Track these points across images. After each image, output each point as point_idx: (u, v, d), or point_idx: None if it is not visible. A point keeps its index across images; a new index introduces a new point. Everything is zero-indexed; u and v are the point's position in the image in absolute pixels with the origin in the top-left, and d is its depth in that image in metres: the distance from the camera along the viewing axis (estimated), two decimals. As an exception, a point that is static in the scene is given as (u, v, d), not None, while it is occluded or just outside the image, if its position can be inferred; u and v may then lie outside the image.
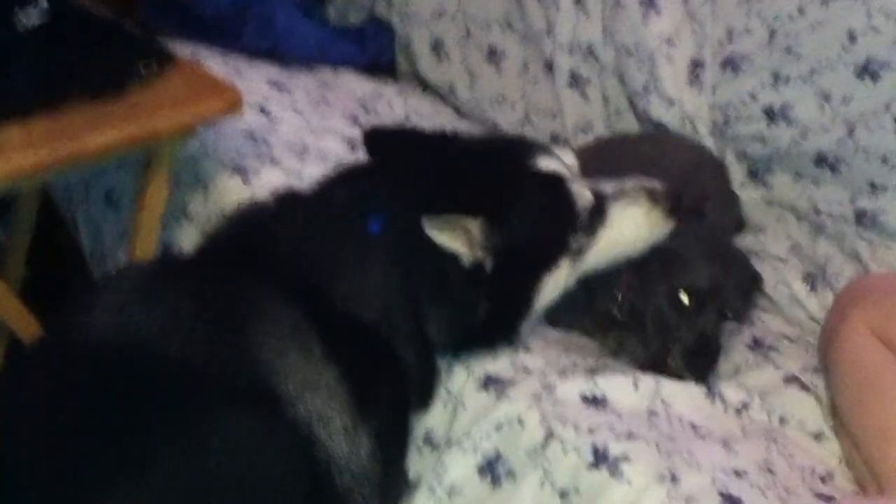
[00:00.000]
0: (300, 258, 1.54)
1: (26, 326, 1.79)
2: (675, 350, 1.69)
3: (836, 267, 1.98)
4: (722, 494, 1.47)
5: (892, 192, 1.92)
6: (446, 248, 1.52)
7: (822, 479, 1.59)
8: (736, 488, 1.48)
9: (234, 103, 1.83)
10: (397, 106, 2.47)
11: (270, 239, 1.56)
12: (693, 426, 1.61)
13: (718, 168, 2.14)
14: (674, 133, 2.20)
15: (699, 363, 1.70)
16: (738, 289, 1.76)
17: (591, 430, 1.55)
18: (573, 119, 2.35)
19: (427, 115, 2.46)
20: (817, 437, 1.68)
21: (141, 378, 1.37)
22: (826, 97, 1.98)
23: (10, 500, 1.29)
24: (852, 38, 1.95)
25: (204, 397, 1.38)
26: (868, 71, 1.94)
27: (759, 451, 1.58)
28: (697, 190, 1.98)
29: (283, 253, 1.55)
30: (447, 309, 1.57)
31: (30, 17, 1.79)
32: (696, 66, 2.18)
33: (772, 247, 2.07)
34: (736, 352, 1.82)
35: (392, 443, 1.54)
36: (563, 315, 1.76)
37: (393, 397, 1.55)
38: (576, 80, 2.34)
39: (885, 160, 1.92)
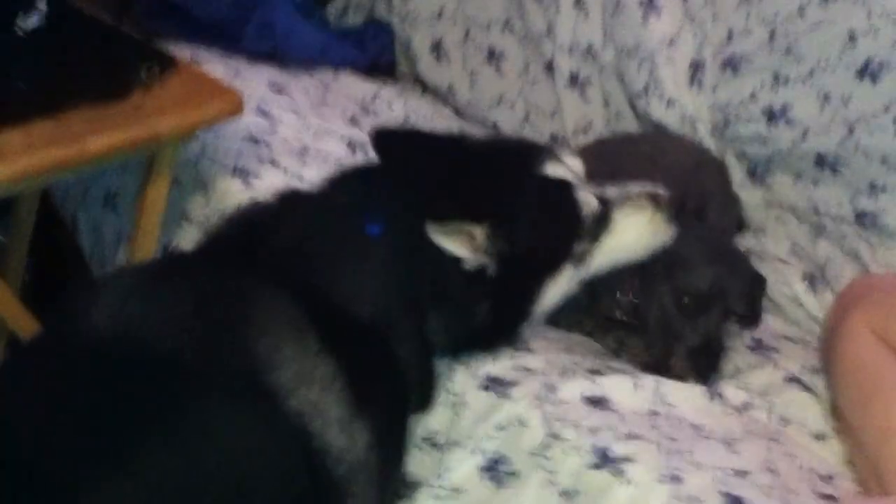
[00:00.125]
0: (300, 257, 1.54)
1: (26, 327, 1.79)
2: (679, 351, 1.70)
3: (836, 267, 1.99)
4: (724, 494, 1.47)
5: (893, 192, 1.93)
6: (450, 251, 1.53)
7: (824, 479, 1.59)
8: (738, 488, 1.48)
9: (234, 106, 1.83)
10: (397, 107, 2.48)
11: (271, 237, 1.57)
12: (695, 426, 1.61)
13: (719, 169, 2.14)
14: (674, 134, 2.20)
15: (704, 364, 1.70)
16: (742, 291, 1.76)
17: (593, 431, 1.55)
18: (573, 120, 2.36)
19: (427, 116, 2.46)
20: (819, 437, 1.68)
21: (137, 373, 1.37)
22: (826, 98, 1.98)
23: (4, 491, 1.29)
24: (852, 38, 1.95)
25: (200, 391, 1.38)
26: (868, 71, 1.94)
27: (761, 451, 1.58)
28: (697, 191, 1.98)
29: (284, 251, 1.55)
30: (447, 311, 1.58)
31: (30, 21, 1.79)
32: (696, 66, 2.18)
33: (772, 247, 2.08)
34: (737, 352, 1.82)
35: (389, 439, 1.53)
36: (565, 315, 1.76)
37: (390, 395, 1.55)
38: (576, 81, 2.35)
39: (885, 161, 1.93)
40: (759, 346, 1.86)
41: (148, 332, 1.41)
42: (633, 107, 2.27)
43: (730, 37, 2.13)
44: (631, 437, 1.55)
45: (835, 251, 2.00)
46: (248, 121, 2.09)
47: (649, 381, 1.66)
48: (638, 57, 2.23)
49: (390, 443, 1.54)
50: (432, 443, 1.64)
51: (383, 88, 2.53)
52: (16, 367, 1.49)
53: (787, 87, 2.03)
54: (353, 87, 2.50)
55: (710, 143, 2.17)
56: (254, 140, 2.11)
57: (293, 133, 2.19)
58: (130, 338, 1.41)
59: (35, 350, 1.52)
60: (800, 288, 2.01)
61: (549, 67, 2.37)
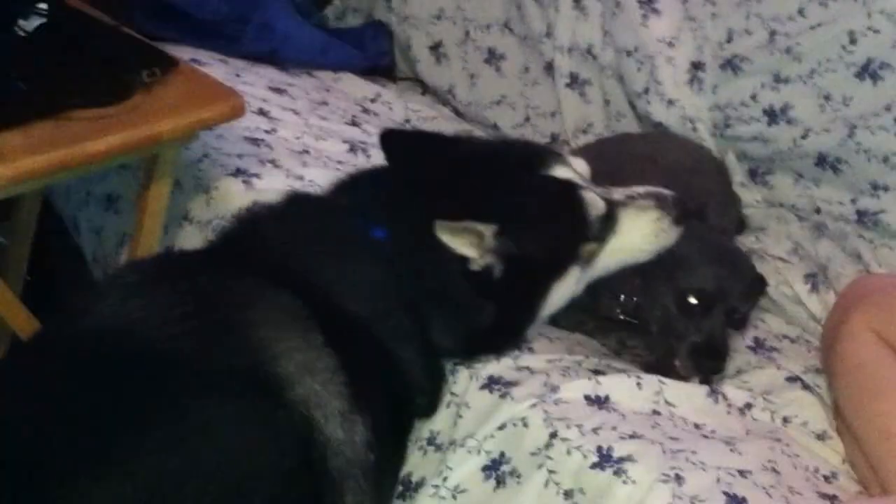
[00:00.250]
0: (304, 257, 1.55)
1: (27, 328, 1.79)
2: (681, 351, 1.70)
3: (837, 267, 1.99)
4: (726, 494, 1.47)
5: (893, 192, 1.93)
6: (456, 252, 1.53)
7: (826, 479, 1.60)
8: (740, 488, 1.48)
9: (235, 107, 1.83)
10: (397, 108, 2.47)
11: (276, 237, 1.57)
12: (697, 426, 1.61)
13: (718, 169, 2.14)
14: (673, 134, 2.20)
15: (707, 364, 1.70)
16: (743, 291, 1.76)
17: (594, 431, 1.55)
18: (573, 120, 2.35)
19: (427, 118, 2.46)
20: (820, 437, 1.69)
21: (138, 372, 1.38)
22: (826, 97, 1.99)
23: (4, 490, 1.29)
24: (852, 38, 1.96)
25: (201, 390, 1.39)
26: (868, 71, 1.95)
27: (763, 451, 1.58)
28: (697, 191, 1.98)
29: (288, 252, 1.56)
30: (453, 313, 1.58)
31: (31, 22, 1.79)
32: (696, 67, 2.19)
33: (773, 247, 2.08)
34: (738, 352, 1.82)
35: (387, 438, 1.54)
36: (567, 315, 1.76)
37: (390, 396, 1.55)
38: (575, 82, 2.35)
39: (885, 160, 1.93)
40: (760, 347, 1.86)
41: (150, 325, 1.42)
42: (633, 107, 2.28)
43: (730, 37, 2.14)
44: (632, 436, 1.55)
45: (836, 251, 2.00)
46: (249, 122, 2.09)
47: (651, 380, 1.66)
48: (638, 57, 2.23)
49: (389, 443, 1.54)
50: (434, 443, 1.64)
51: (383, 89, 2.53)
52: (15, 366, 1.49)
53: (787, 87, 2.04)
54: (352, 88, 2.50)
55: (710, 143, 2.17)
56: (254, 141, 2.11)
57: (293, 134, 2.19)
58: (131, 335, 1.42)
59: (34, 348, 1.52)
60: (801, 288, 2.00)
61: (549, 68, 2.38)
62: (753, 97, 2.08)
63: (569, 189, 1.63)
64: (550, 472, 1.53)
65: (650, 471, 1.49)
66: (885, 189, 1.94)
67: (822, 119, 1.99)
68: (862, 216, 1.97)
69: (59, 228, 2.31)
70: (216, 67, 2.28)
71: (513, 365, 1.66)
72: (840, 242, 2.00)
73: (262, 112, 2.21)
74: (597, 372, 1.67)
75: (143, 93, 1.76)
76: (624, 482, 1.48)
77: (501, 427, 1.59)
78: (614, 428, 1.56)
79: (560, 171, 1.63)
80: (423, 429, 1.65)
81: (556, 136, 2.37)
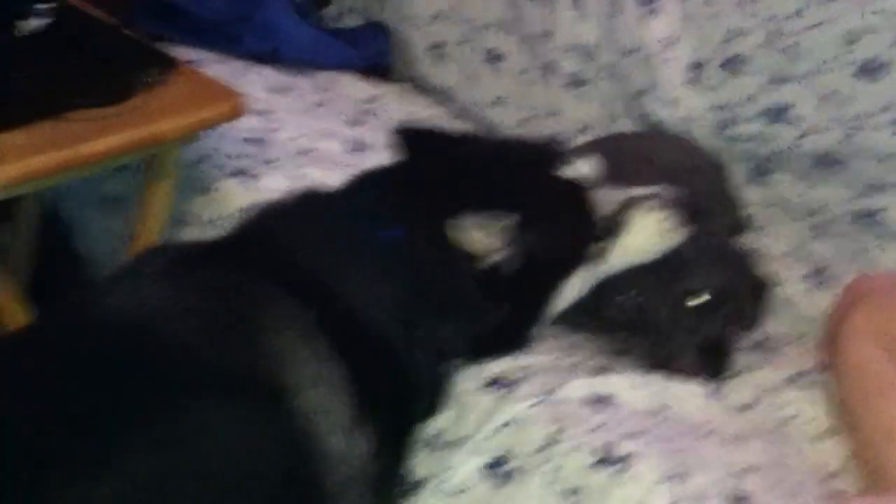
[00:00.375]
0: (313, 257, 1.54)
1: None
2: (685, 352, 1.70)
3: (837, 267, 1.99)
4: (728, 493, 1.47)
5: (893, 191, 1.93)
6: (466, 251, 1.53)
7: (827, 478, 1.60)
8: (743, 487, 1.49)
9: (235, 108, 1.84)
10: (396, 108, 2.48)
11: (286, 237, 1.57)
12: (699, 425, 1.61)
13: (717, 170, 2.14)
14: (672, 134, 2.20)
15: (711, 365, 1.70)
16: (747, 292, 1.76)
17: (596, 430, 1.55)
18: (573, 121, 2.36)
19: (426, 118, 2.46)
20: (822, 436, 1.68)
21: (138, 371, 1.37)
22: (826, 97, 1.99)
23: (3, 489, 1.29)
24: (852, 38, 1.96)
25: (202, 389, 1.38)
26: (868, 71, 1.95)
27: (765, 449, 1.59)
28: (694, 191, 1.98)
29: (297, 251, 1.55)
30: (460, 315, 1.58)
31: (31, 23, 1.79)
32: (695, 66, 2.19)
33: (772, 247, 2.07)
34: (739, 352, 1.82)
35: (391, 448, 1.54)
36: (569, 315, 1.76)
37: (396, 406, 1.55)
38: (575, 82, 2.35)
39: (885, 160, 1.93)
40: (760, 346, 1.86)
41: (158, 320, 1.42)
42: (632, 107, 2.28)
43: (730, 37, 2.14)
44: (634, 435, 1.55)
45: (836, 251, 2.00)
46: (249, 122, 2.09)
47: (652, 380, 1.66)
48: (638, 57, 2.23)
49: (390, 454, 1.54)
50: (436, 443, 1.64)
51: (382, 90, 2.53)
52: (14, 365, 1.48)
53: (787, 87, 2.04)
54: (352, 88, 2.51)
55: (710, 143, 2.17)
56: (254, 141, 2.11)
57: (293, 134, 2.19)
58: (141, 322, 1.41)
59: (34, 348, 1.52)
60: (800, 288, 2.01)
61: (549, 68, 2.38)
62: (753, 97, 2.08)
63: (577, 188, 1.63)
64: (552, 471, 1.53)
65: (652, 470, 1.49)
66: (884, 189, 1.94)
67: (822, 119, 1.99)
68: (862, 216, 1.97)
69: (59, 229, 2.31)
70: (216, 67, 2.28)
71: (514, 364, 1.66)
72: (840, 242, 2.00)
73: (261, 112, 2.21)
74: (599, 371, 1.67)
75: (143, 93, 1.76)
76: (625, 482, 1.48)
77: (503, 426, 1.59)
78: (616, 427, 1.56)
79: (569, 171, 1.64)
80: (426, 428, 1.65)
81: (555, 137, 2.37)
